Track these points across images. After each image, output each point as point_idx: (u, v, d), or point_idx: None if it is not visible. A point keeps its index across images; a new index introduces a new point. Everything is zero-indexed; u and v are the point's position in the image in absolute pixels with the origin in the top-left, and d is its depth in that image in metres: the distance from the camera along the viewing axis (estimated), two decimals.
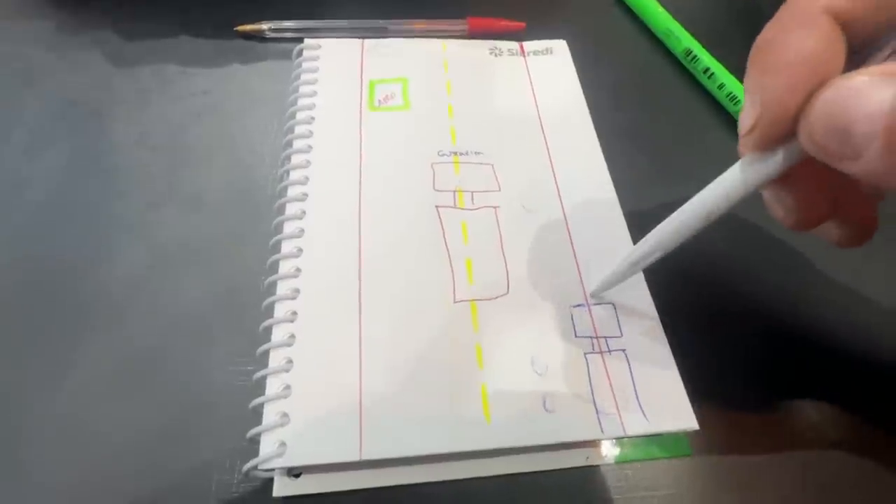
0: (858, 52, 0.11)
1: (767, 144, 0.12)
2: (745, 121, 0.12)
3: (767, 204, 0.14)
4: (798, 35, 0.11)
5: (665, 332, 0.19)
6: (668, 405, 0.17)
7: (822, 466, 0.18)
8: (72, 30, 0.27)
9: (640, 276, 0.20)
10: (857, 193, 0.14)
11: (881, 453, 0.18)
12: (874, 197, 0.15)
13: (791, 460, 0.18)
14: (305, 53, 0.26)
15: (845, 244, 0.15)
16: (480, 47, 0.27)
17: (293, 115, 0.23)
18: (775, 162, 0.12)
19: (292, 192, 0.21)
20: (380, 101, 0.25)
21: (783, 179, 0.13)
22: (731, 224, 0.23)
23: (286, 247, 0.20)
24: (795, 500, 0.17)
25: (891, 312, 0.21)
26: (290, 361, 0.17)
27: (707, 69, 0.27)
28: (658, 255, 0.16)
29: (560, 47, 0.28)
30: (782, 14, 0.12)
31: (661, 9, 0.30)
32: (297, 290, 0.19)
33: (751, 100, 0.12)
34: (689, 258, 0.22)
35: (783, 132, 0.11)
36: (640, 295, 0.19)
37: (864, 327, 0.20)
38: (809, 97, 0.11)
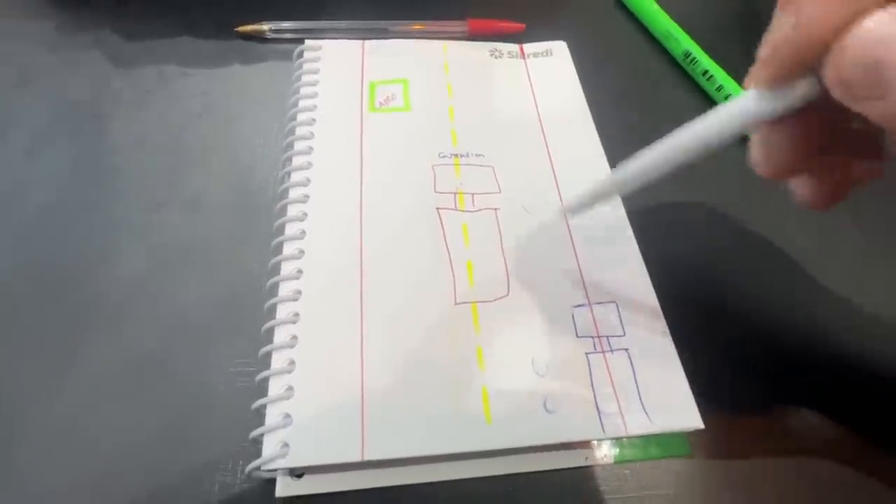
0: None
1: (785, 74, 0.11)
2: (768, 45, 0.11)
3: (793, 186, 0.14)
4: None
5: (669, 329, 0.19)
6: (672, 404, 0.17)
7: (822, 467, 0.18)
8: (72, 30, 0.27)
9: (644, 274, 0.20)
10: (843, 149, 0.14)
11: (881, 454, 0.18)
12: (870, 152, 0.14)
13: (790, 460, 0.18)
14: (306, 55, 0.26)
15: (812, 205, 0.14)
16: (481, 49, 0.28)
17: (294, 117, 0.23)
18: (785, 97, 0.11)
19: (293, 193, 0.21)
20: (380, 102, 0.25)
21: (779, 119, 0.12)
22: (737, 223, 0.23)
23: (288, 248, 0.20)
24: (794, 501, 0.17)
25: (894, 315, 0.21)
26: (292, 363, 0.17)
27: (706, 71, 0.27)
28: (640, 182, 0.15)
29: (560, 49, 0.28)
30: None
31: (660, 11, 0.30)
32: (298, 292, 0.19)
33: (780, 21, 0.11)
34: (694, 257, 0.22)
35: (809, 59, 0.10)
36: (643, 293, 0.20)
37: (867, 330, 0.21)
38: (848, 24, 0.10)
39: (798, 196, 0.15)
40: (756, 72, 0.12)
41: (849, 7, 0.10)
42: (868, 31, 0.10)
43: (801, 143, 0.13)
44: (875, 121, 0.10)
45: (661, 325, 0.19)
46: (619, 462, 0.18)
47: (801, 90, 0.11)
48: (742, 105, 0.12)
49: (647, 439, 0.18)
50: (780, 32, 0.11)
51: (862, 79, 0.10)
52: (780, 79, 0.11)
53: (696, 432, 0.17)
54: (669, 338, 0.19)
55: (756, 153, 0.14)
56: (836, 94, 0.10)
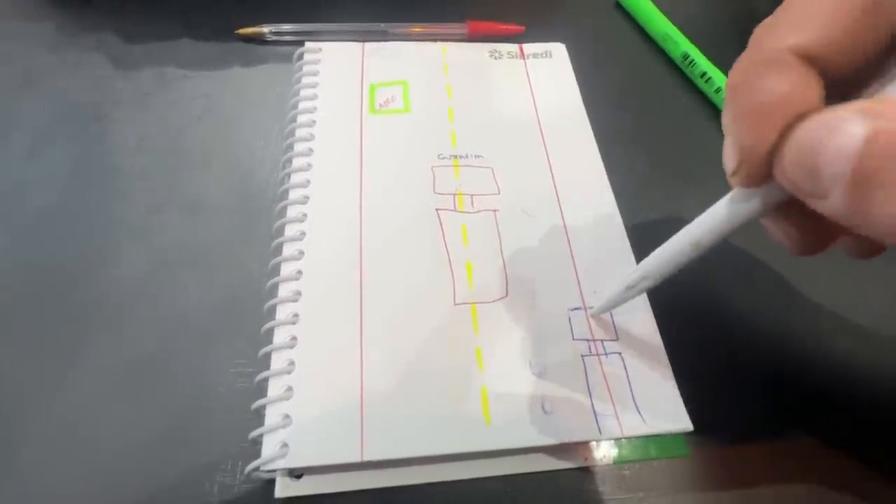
0: (848, 88, 0.11)
1: (753, 183, 0.12)
2: (728, 163, 0.12)
3: (771, 232, 0.14)
4: (768, 79, 0.10)
5: (661, 334, 0.19)
6: (664, 406, 0.17)
7: (819, 467, 0.18)
8: (73, 32, 0.27)
9: None
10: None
11: (878, 455, 0.18)
12: None
13: (788, 461, 0.18)
14: (306, 57, 0.26)
15: (860, 256, 0.14)
16: (480, 50, 0.28)
17: (294, 119, 0.24)
18: (761, 199, 0.12)
19: (293, 195, 0.21)
20: (380, 104, 0.25)
21: (780, 210, 0.12)
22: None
23: (287, 249, 0.20)
24: (793, 501, 0.17)
25: (888, 317, 0.21)
26: (291, 363, 0.17)
27: (704, 73, 0.27)
28: (650, 283, 0.16)
29: (559, 50, 0.28)
30: (748, 55, 0.11)
31: (658, 13, 0.30)
32: (298, 293, 0.19)
33: (730, 142, 0.12)
34: (688, 262, 0.22)
35: (765, 173, 0.11)
36: (637, 299, 0.20)
37: (862, 333, 0.21)
38: (784, 136, 0.10)
39: (846, 251, 0.14)
40: (730, 180, 0.12)
41: (782, 124, 0.10)
42: (800, 139, 0.10)
43: (814, 221, 0.12)
44: (827, 216, 0.10)
45: (654, 329, 0.19)
46: (618, 463, 0.18)
47: (775, 189, 0.11)
48: (726, 206, 0.13)
49: (646, 440, 0.18)
50: (733, 153, 0.11)
51: (804, 182, 0.10)
52: (752, 185, 0.12)
53: (695, 433, 0.17)
54: (661, 342, 0.19)
55: (780, 239, 0.14)
56: (791, 192, 0.11)
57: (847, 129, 0.09)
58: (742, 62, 0.11)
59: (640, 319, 0.19)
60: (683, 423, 0.17)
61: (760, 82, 0.10)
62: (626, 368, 0.18)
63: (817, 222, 0.12)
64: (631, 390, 0.18)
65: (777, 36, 0.11)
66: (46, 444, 0.17)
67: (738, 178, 0.12)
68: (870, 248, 0.14)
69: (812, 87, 0.10)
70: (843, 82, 0.11)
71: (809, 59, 0.10)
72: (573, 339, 0.19)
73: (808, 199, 0.10)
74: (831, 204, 0.10)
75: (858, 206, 0.09)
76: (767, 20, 0.11)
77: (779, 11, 0.11)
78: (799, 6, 0.11)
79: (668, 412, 0.17)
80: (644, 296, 0.20)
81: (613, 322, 0.19)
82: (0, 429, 0.17)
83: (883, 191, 0.09)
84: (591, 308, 0.19)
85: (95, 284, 0.20)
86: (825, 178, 0.09)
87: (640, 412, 0.17)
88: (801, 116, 0.10)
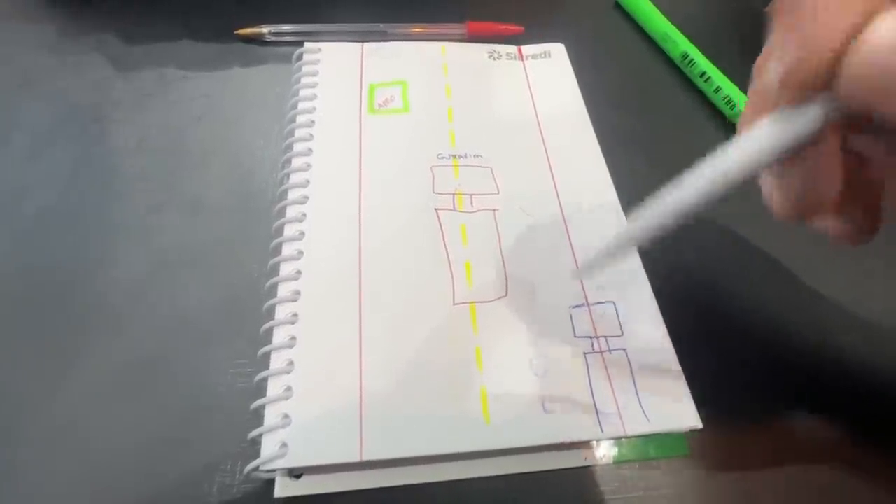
0: None
1: (812, 87, 0.10)
2: (780, 68, 0.10)
3: (765, 187, 0.12)
4: None
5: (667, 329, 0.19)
6: (671, 404, 0.17)
7: (821, 467, 0.18)
8: (73, 33, 0.27)
9: (642, 274, 0.20)
10: (866, 179, 0.13)
11: (880, 455, 0.18)
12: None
13: (789, 461, 0.18)
14: (305, 57, 0.26)
15: (846, 240, 0.13)
16: (479, 51, 0.28)
17: (293, 119, 0.24)
18: (803, 120, 0.10)
19: (292, 195, 0.21)
20: (379, 104, 0.25)
21: (797, 151, 0.11)
22: (735, 222, 0.23)
23: (287, 249, 0.20)
24: (793, 501, 0.17)
25: (893, 315, 0.21)
26: (291, 363, 0.17)
27: (703, 73, 0.27)
28: (656, 231, 0.13)
29: (558, 51, 0.28)
30: None
31: (658, 13, 0.30)
32: (297, 293, 0.19)
33: (780, 53, 0.10)
34: (692, 256, 0.22)
35: (822, 76, 0.10)
36: (641, 293, 0.20)
37: (867, 330, 0.21)
38: (855, 30, 0.09)
39: (833, 233, 0.13)
40: (760, 100, 0.11)
41: (851, 15, 0.09)
42: (880, 39, 0.09)
43: (824, 177, 0.11)
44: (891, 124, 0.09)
45: (660, 324, 0.19)
46: (619, 462, 0.18)
47: (817, 111, 0.10)
48: (759, 137, 0.11)
49: (646, 440, 0.18)
50: (785, 52, 0.10)
51: (880, 85, 0.09)
52: (794, 101, 0.10)
53: (695, 433, 0.17)
54: (668, 338, 0.19)
55: (774, 194, 0.12)
56: (856, 103, 0.10)
57: None
58: None
59: (646, 315, 0.19)
60: (692, 420, 0.17)
61: None
62: (630, 365, 0.18)
63: (826, 174, 0.11)
64: (635, 387, 0.18)
65: None
66: (46, 445, 0.17)
67: (790, 87, 0.10)
68: (858, 230, 0.13)
69: None
70: None
71: None
72: (575, 336, 0.19)
73: (879, 106, 0.09)
74: None
75: None
76: None
77: None
78: None
79: (675, 409, 0.17)
80: (650, 290, 0.20)
81: (618, 318, 0.19)
82: (0, 430, 0.17)
83: None
84: (578, 265, 0.18)
85: (95, 285, 0.20)
86: None
87: (643, 410, 0.17)
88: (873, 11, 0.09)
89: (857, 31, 0.09)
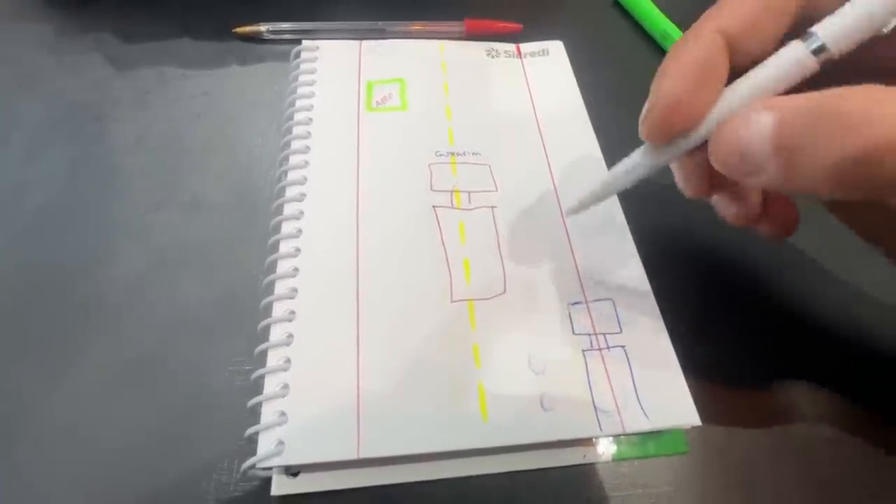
0: (740, 69, 0.14)
1: (659, 132, 0.14)
2: (645, 110, 0.14)
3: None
4: (690, 46, 0.13)
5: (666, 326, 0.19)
6: (670, 401, 0.17)
7: (821, 464, 0.18)
8: (71, 33, 0.28)
9: (641, 272, 0.20)
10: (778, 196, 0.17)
11: (881, 452, 0.18)
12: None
13: (789, 457, 0.18)
14: (303, 55, 0.26)
15: (772, 238, 0.17)
16: (477, 49, 0.28)
17: (291, 116, 0.24)
18: (669, 151, 0.14)
19: (290, 192, 0.21)
20: (377, 101, 0.25)
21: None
22: None
23: (284, 247, 0.20)
24: (793, 498, 0.17)
25: (893, 309, 0.21)
26: (288, 361, 0.17)
27: None
28: (614, 190, 0.17)
29: (556, 48, 0.28)
30: (685, 33, 0.14)
31: (656, 11, 0.30)
32: (294, 290, 0.19)
33: (652, 93, 0.14)
34: (692, 254, 0.22)
35: (669, 123, 0.14)
36: (640, 291, 0.20)
37: (865, 324, 0.20)
38: (693, 91, 0.13)
39: (762, 234, 0.17)
40: (640, 129, 0.15)
41: (693, 78, 0.13)
42: (728, 131, 0.12)
43: (706, 174, 0.16)
44: (765, 188, 0.13)
45: (659, 322, 0.19)
46: (618, 459, 0.18)
47: (680, 146, 0.14)
48: (636, 158, 0.16)
49: (646, 437, 0.18)
50: (648, 103, 0.14)
51: (740, 166, 0.12)
52: (657, 137, 0.14)
53: (695, 430, 0.17)
54: (666, 335, 0.19)
55: (676, 179, 0.17)
56: (722, 171, 0.13)
57: (759, 119, 0.12)
58: (683, 35, 0.14)
59: (645, 312, 0.19)
60: (691, 417, 0.17)
61: (686, 47, 0.14)
62: (629, 362, 0.18)
63: (749, 199, 0.16)
64: (634, 384, 0.18)
65: (707, 18, 0.14)
66: (44, 442, 0.17)
67: (647, 125, 0.14)
68: (780, 230, 0.17)
69: (720, 58, 0.13)
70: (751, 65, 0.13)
71: (727, 36, 0.13)
72: (573, 333, 0.19)
73: (747, 179, 0.13)
74: (768, 176, 0.12)
75: (788, 171, 0.12)
76: (709, 10, 0.14)
77: (715, 4, 0.14)
78: (727, 1, 0.14)
79: (675, 406, 0.17)
80: (648, 288, 0.20)
81: (617, 315, 0.19)
82: None
83: (801, 153, 0.11)
84: (568, 204, 0.19)
85: (94, 283, 0.20)
86: (755, 159, 0.12)
87: (642, 407, 0.17)
88: (707, 75, 0.13)
89: (696, 88, 0.13)
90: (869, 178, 0.11)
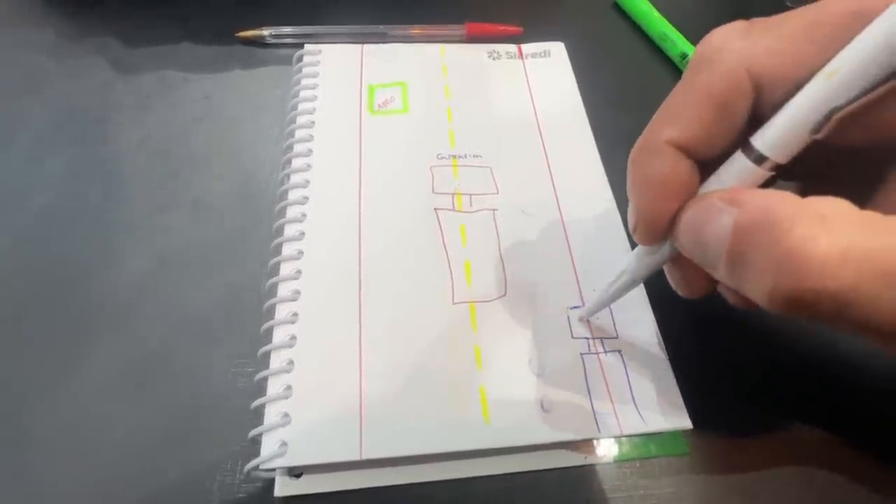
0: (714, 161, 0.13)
1: (647, 242, 0.14)
2: (630, 220, 0.14)
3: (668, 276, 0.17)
4: (651, 163, 0.13)
5: (661, 332, 0.19)
6: (663, 404, 0.17)
7: (819, 466, 0.18)
8: (74, 37, 0.28)
9: None
10: None
11: (877, 453, 0.18)
12: None
13: (788, 459, 0.18)
14: (305, 59, 0.26)
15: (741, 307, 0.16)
16: (478, 51, 0.28)
17: (294, 120, 0.24)
18: (659, 255, 0.15)
19: (293, 195, 0.21)
20: (379, 105, 0.25)
21: (674, 263, 0.15)
22: None
23: (287, 249, 0.20)
24: (794, 499, 0.17)
25: None
26: (291, 362, 0.17)
27: None
28: (628, 278, 0.17)
29: (558, 50, 0.28)
30: (642, 140, 0.14)
31: (656, 13, 0.30)
32: (297, 292, 0.19)
33: (630, 205, 0.14)
34: None
35: (657, 235, 0.14)
36: (635, 295, 0.20)
37: None
38: (670, 208, 0.13)
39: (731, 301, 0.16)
40: (633, 236, 0.15)
41: (665, 196, 0.13)
42: (690, 222, 0.13)
43: (696, 277, 0.15)
44: (719, 279, 0.12)
45: (653, 327, 0.19)
46: (618, 461, 0.18)
47: (666, 250, 0.14)
48: (635, 258, 0.16)
49: (646, 438, 0.18)
50: (632, 214, 0.14)
51: (698, 257, 0.13)
52: (649, 243, 0.14)
53: (695, 432, 0.17)
54: (660, 340, 0.19)
55: (673, 283, 0.16)
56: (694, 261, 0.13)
57: (718, 220, 0.11)
58: (638, 144, 0.14)
59: (640, 317, 0.19)
60: (683, 421, 0.17)
61: (647, 163, 0.13)
62: (625, 366, 0.18)
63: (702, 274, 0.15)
64: (630, 388, 0.18)
65: (657, 129, 0.13)
66: (48, 443, 0.17)
67: (638, 236, 0.14)
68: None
69: (685, 169, 0.13)
70: (717, 161, 0.13)
71: (681, 147, 0.13)
72: (572, 337, 0.19)
73: (703, 267, 0.13)
74: (719, 273, 0.12)
75: (735, 278, 0.11)
76: (657, 113, 0.14)
77: (662, 107, 0.14)
78: (673, 106, 0.13)
79: (668, 410, 0.17)
80: (644, 294, 0.20)
81: (613, 320, 0.19)
82: (3, 427, 0.17)
83: (749, 270, 0.11)
84: (580, 309, 0.19)
85: (97, 285, 0.20)
86: (710, 255, 0.12)
87: (639, 410, 0.17)
88: (678, 192, 0.13)
89: (670, 203, 0.13)
90: (806, 314, 0.10)
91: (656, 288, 0.20)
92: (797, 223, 0.10)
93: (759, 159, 0.12)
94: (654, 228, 0.14)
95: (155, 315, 0.19)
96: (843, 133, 0.11)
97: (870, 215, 0.10)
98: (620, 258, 0.21)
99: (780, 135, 0.12)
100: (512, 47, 0.28)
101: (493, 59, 0.28)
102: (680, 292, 0.16)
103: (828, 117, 0.11)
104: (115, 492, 0.16)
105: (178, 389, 0.18)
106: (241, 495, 0.16)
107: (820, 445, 0.18)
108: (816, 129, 0.11)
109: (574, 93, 0.26)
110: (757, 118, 0.12)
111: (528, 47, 0.28)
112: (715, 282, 0.15)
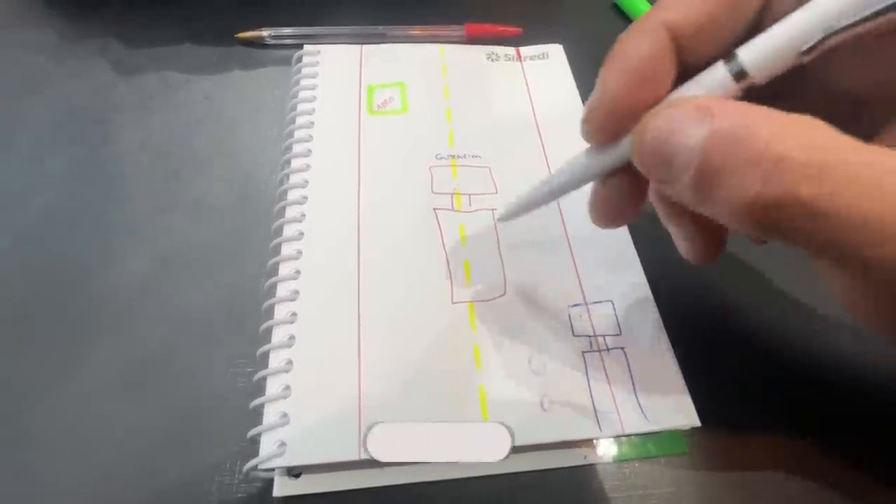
0: (694, 68, 0.12)
1: (600, 135, 0.13)
2: (586, 109, 0.13)
3: (593, 199, 0.16)
4: (635, 40, 0.12)
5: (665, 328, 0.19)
6: (669, 402, 0.17)
7: (820, 465, 0.18)
8: (75, 38, 0.28)
9: (640, 273, 0.20)
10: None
11: (879, 454, 0.18)
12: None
13: (789, 458, 0.18)
14: (305, 59, 0.26)
15: (693, 260, 0.16)
16: (477, 52, 0.28)
17: (293, 120, 0.24)
18: (605, 158, 0.14)
19: (292, 195, 0.21)
20: (378, 105, 0.25)
21: (605, 182, 0.14)
22: None
23: (286, 249, 0.20)
24: (793, 499, 0.17)
25: None
26: (289, 362, 0.17)
27: None
28: (546, 200, 0.16)
29: (556, 52, 0.28)
30: (632, 26, 0.13)
31: None
32: (296, 292, 0.19)
33: (595, 89, 0.13)
34: None
35: (614, 127, 0.13)
36: (639, 292, 0.20)
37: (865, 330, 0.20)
38: (639, 97, 0.12)
39: (680, 250, 0.16)
40: (581, 127, 0.14)
41: (636, 77, 0.12)
42: (656, 128, 0.11)
43: (627, 201, 0.14)
44: (674, 199, 0.12)
45: (658, 323, 0.19)
46: (618, 461, 0.18)
47: (622, 150, 0.13)
48: (580, 160, 0.15)
49: (645, 438, 0.18)
50: (591, 99, 0.13)
51: (658, 170, 0.11)
52: (598, 137, 0.13)
53: (694, 431, 0.17)
54: (665, 336, 0.19)
55: (590, 202, 0.15)
56: (643, 172, 0.12)
57: (689, 131, 0.10)
58: (631, 26, 0.13)
59: (644, 314, 0.19)
60: (690, 418, 0.17)
61: (632, 42, 0.12)
62: (628, 363, 0.18)
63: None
64: (633, 386, 0.18)
65: (657, 10, 0.12)
66: (47, 443, 0.17)
67: (588, 126, 0.13)
68: (705, 253, 0.15)
69: (667, 55, 0.12)
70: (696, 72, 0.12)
71: (675, 32, 0.12)
72: (573, 335, 0.19)
73: (657, 181, 0.12)
74: (678, 187, 0.11)
75: (702, 191, 0.11)
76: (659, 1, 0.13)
77: None
78: None
79: (674, 407, 0.17)
80: (648, 290, 0.20)
81: (616, 317, 0.19)
82: (2, 427, 0.17)
83: (725, 180, 0.10)
84: (497, 211, 0.18)
85: (97, 286, 0.20)
86: (676, 165, 0.11)
87: (642, 408, 0.17)
88: (653, 81, 0.12)
89: (638, 87, 0.12)
90: (777, 226, 0.10)
91: (660, 285, 0.20)
92: (782, 131, 0.10)
93: (740, 75, 0.11)
94: (613, 119, 0.12)
95: (154, 315, 0.20)
96: (841, 72, 0.11)
97: (847, 137, 0.10)
98: (620, 251, 0.20)
99: (768, 49, 0.11)
100: (510, 50, 0.28)
101: (492, 60, 0.28)
102: (598, 221, 0.15)
103: (822, 40, 0.10)
104: (115, 492, 0.16)
105: (177, 389, 0.18)
106: (240, 495, 0.16)
107: (820, 446, 0.18)
108: (808, 51, 0.11)
109: (573, 93, 0.26)
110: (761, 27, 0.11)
111: (526, 50, 0.28)
112: (639, 210, 0.15)
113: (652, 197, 0.15)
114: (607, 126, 0.13)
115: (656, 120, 0.11)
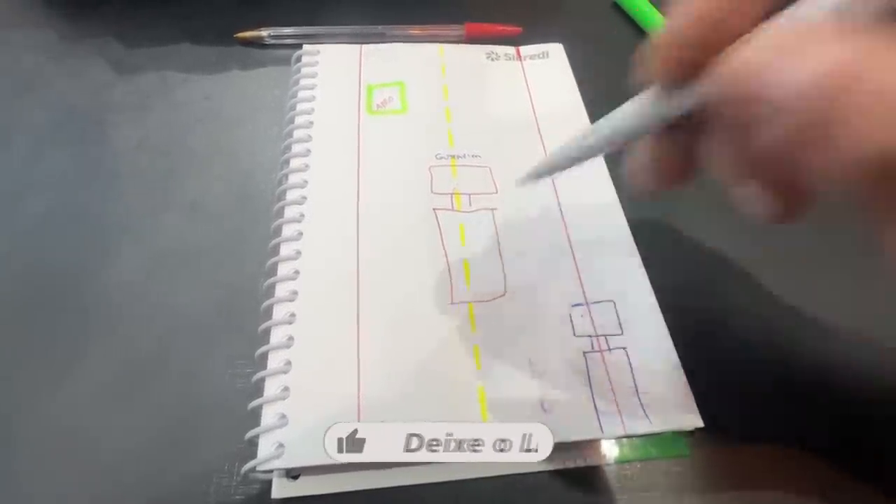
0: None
1: (670, 76, 0.11)
2: (656, 44, 0.11)
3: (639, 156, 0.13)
4: None
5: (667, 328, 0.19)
6: (672, 403, 0.17)
7: (821, 468, 0.17)
8: (74, 38, 0.28)
9: (642, 272, 0.20)
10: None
11: (881, 455, 0.18)
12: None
13: (790, 461, 0.18)
14: (304, 59, 0.26)
15: (770, 219, 0.12)
16: (477, 52, 0.28)
17: (292, 120, 0.24)
18: (670, 104, 0.11)
19: (291, 195, 0.21)
20: (378, 105, 0.25)
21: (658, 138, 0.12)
22: (735, 220, 0.23)
23: (285, 249, 0.20)
24: (795, 501, 0.17)
25: (894, 322, 0.21)
26: (288, 363, 0.17)
27: None
28: (584, 157, 0.15)
29: (556, 51, 0.28)
30: None
31: (656, 12, 0.30)
32: (295, 293, 0.19)
33: (668, 21, 0.11)
34: (693, 254, 0.22)
35: (690, 65, 0.10)
36: (641, 292, 0.20)
37: (869, 328, 0.20)
38: (726, 27, 0.10)
39: (754, 211, 0.12)
40: (653, 66, 0.11)
41: (731, 19, 0.09)
42: (757, 55, 0.09)
43: (691, 153, 0.12)
44: (759, 148, 0.09)
45: (660, 323, 0.19)
46: (619, 462, 0.17)
47: (684, 98, 0.11)
48: (642, 104, 0.12)
49: (646, 440, 0.18)
50: (671, 22, 0.10)
51: (748, 104, 0.09)
52: (673, 75, 0.11)
53: (695, 433, 0.17)
54: (668, 336, 0.18)
55: (636, 163, 0.13)
56: (718, 101, 0.10)
57: (801, 60, 0.08)
58: None
59: (646, 313, 0.19)
60: (693, 419, 0.17)
61: None
62: (630, 364, 0.18)
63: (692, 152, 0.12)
64: (636, 387, 0.17)
65: None
66: (44, 445, 0.17)
67: (659, 63, 0.11)
68: (783, 209, 0.12)
69: None
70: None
71: None
72: (575, 335, 0.19)
73: (750, 131, 0.09)
74: (774, 134, 0.09)
75: (812, 138, 0.08)
76: None
77: None
78: None
79: (677, 408, 0.17)
80: (650, 290, 0.20)
81: (618, 316, 0.19)
82: None
83: (842, 127, 0.08)
84: (526, 171, 0.17)
85: (95, 285, 0.20)
86: (779, 106, 0.08)
87: (644, 409, 0.17)
88: (743, 7, 0.09)
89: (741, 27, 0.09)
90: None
91: (662, 286, 0.20)
92: None
93: None
94: (693, 47, 0.10)
95: (153, 315, 0.19)
96: None
97: None
98: (622, 250, 0.20)
99: None
100: (510, 49, 0.28)
101: (492, 59, 0.28)
102: (651, 183, 0.13)
103: None
104: (112, 494, 0.16)
105: (175, 391, 0.18)
106: (238, 497, 0.16)
107: (822, 449, 0.18)
108: None
109: (573, 92, 0.26)
110: None
111: (526, 49, 0.28)
112: (691, 171, 0.12)
113: (719, 150, 0.12)
114: (685, 57, 0.10)
115: (757, 42, 0.09)
